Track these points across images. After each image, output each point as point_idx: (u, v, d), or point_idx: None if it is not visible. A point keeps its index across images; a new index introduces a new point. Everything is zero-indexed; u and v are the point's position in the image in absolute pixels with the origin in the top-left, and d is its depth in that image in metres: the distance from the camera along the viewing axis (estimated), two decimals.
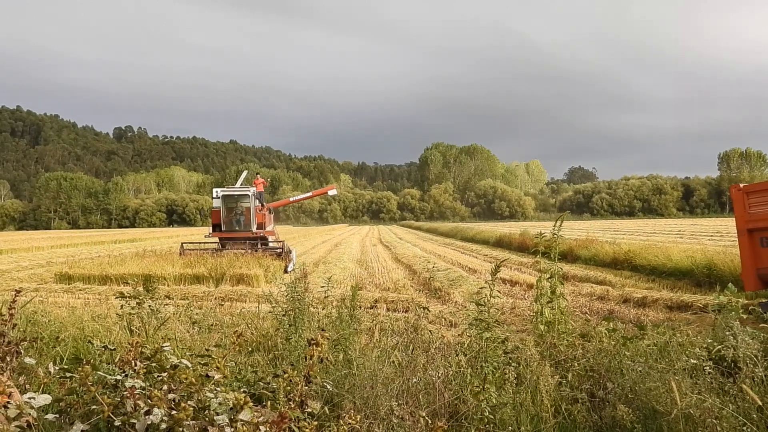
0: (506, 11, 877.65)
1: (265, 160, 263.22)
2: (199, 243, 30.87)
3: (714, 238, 38.87)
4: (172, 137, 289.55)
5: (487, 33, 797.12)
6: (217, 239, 29.79)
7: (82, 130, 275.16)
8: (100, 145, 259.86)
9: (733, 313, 5.94)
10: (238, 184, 32.91)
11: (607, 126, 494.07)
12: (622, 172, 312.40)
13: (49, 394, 3.53)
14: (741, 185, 12.27)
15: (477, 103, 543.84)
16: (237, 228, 29.55)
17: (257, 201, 29.89)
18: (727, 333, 5.70)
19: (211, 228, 30.07)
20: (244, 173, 36.63)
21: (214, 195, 29.91)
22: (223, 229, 29.41)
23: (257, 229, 29.48)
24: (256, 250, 27.37)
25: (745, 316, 6.05)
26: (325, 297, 8.07)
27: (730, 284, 6.83)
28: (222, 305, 14.57)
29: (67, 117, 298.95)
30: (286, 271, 25.30)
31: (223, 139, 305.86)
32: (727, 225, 54.24)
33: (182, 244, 29.87)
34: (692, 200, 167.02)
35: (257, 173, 36.05)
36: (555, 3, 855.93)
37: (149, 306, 7.72)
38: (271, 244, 29.57)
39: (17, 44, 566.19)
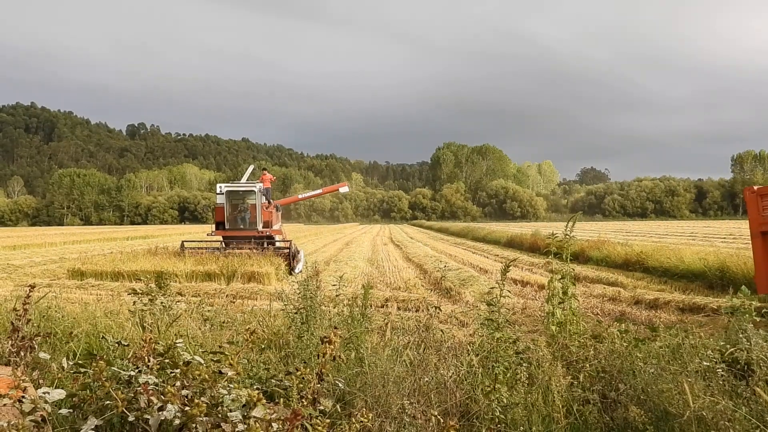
0: (516, 11, 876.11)
1: (276, 158, 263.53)
2: (202, 242, 29.26)
3: (727, 240, 38.70)
4: (184, 135, 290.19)
5: (498, 33, 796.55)
6: (220, 238, 28.26)
7: (95, 126, 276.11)
8: (113, 141, 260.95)
9: (747, 315, 5.91)
10: (243, 180, 31.37)
11: (620, 127, 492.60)
12: (634, 173, 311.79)
13: (62, 389, 3.56)
14: (755, 187, 12.21)
15: (489, 103, 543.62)
16: (242, 226, 27.94)
17: (264, 198, 28.28)
18: (740, 335, 5.68)
19: (214, 225, 28.41)
20: (250, 168, 34.86)
21: (218, 191, 28.10)
22: (226, 227, 27.75)
23: (263, 227, 28.01)
24: (262, 250, 26.17)
25: (758, 319, 6.02)
26: (337, 295, 8.08)
27: (743, 287, 6.78)
28: (233, 302, 14.62)
29: (81, 114, 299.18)
30: (292, 273, 24.48)
31: (235, 137, 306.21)
32: (741, 227, 54.01)
33: (182, 242, 28.36)
34: (705, 202, 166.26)
35: (264, 169, 34.53)
36: (565, 3, 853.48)
37: (161, 302, 7.74)
38: (277, 244, 28.08)
39: (32, 42, 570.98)
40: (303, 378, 3.58)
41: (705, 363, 5.25)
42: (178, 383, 3.57)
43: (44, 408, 3.19)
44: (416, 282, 20.86)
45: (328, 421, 3.33)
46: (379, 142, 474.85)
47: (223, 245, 27.65)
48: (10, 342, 4.85)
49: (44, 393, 3.32)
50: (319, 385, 3.67)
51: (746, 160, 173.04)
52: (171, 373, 3.83)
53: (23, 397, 3.18)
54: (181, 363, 3.89)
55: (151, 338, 4.21)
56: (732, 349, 5.62)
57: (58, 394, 3.39)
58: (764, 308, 8.74)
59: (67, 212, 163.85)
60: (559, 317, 6.84)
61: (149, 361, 4.01)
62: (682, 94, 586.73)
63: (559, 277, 7.18)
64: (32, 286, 5.77)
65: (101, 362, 3.48)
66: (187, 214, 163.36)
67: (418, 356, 5.58)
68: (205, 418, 3.20)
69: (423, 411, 4.51)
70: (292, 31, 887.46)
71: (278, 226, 30.72)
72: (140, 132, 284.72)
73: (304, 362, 5.58)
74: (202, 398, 3.38)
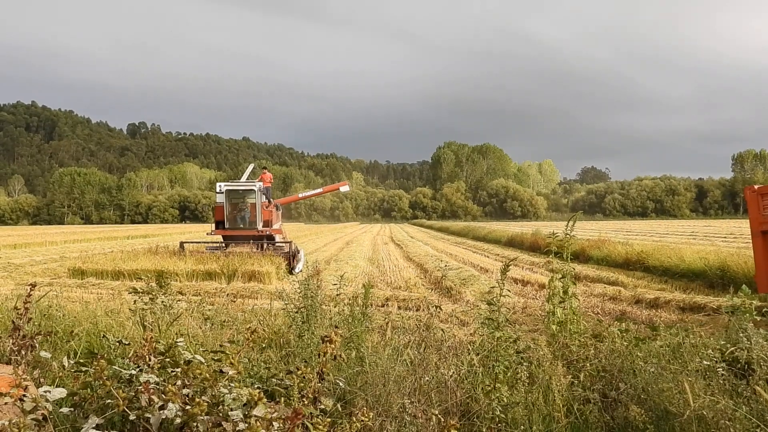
0: (516, 11, 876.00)
1: (277, 158, 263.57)
2: (201, 242, 29.11)
3: (727, 239, 38.69)
4: (185, 134, 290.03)
5: (498, 32, 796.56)
6: (220, 237, 28.05)
7: (96, 125, 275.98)
8: (113, 140, 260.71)
9: (747, 314, 5.91)
10: (243, 179, 30.93)
11: (620, 126, 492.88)
12: (635, 173, 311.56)
13: (64, 387, 3.55)
14: (755, 186, 12.19)
15: (490, 103, 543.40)
16: (241, 225, 27.66)
17: (264, 197, 28.04)
18: (741, 335, 5.67)
19: (213, 225, 28.07)
20: (250, 167, 34.21)
21: (218, 190, 27.81)
22: (226, 226, 27.45)
23: (263, 226, 27.69)
24: (262, 249, 26.06)
25: (758, 318, 6.02)
26: (337, 295, 8.08)
27: (743, 286, 6.77)
28: (234, 301, 14.62)
29: (82, 113, 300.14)
30: (292, 273, 24.29)
31: (235, 136, 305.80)
32: (741, 227, 54.03)
33: (181, 243, 28.11)
34: (706, 201, 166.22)
35: (264, 167, 34.15)
36: (565, 2, 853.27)
37: (162, 301, 7.74)
38: (277, 243, 27.93)
39: (33, 41, 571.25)
40: (304, 377, 3.58)
41: (705, 362, 5.25)
42: (179, 382, 3.57)
43: (45, 407, 3.20)
44: (417, 281, 20.86)
45: (328, 420, 3.33)
46: (379, 141, 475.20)
47: (223, 245, 27.51)
48: (11, 340, 4.85)
49: (45, 392, 3.32)
50: (319, 384, 3.68)
51: (747, 160, 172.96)
52: (172, 372, 3.83)
53: (24, 395, 3.18)
54: (182, 362, 3.90)
55: (151, 337, 4.21)
56: (732, 349, 5.62)
57: (59, 392, 3.39)
58: (765, 307, 8.74)
59: (68, 211, 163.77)
60: (559, 316, 6.85)
61: (150, 360, 4.01)
62: (683, 93, 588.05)
63: (560, 276, 7.19)
64: (33, 285, 5.77)
65: (102, 361, 3.48)
66: (187, 213, 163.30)
67: (418, 355, 5.58)
68: (206, 417, 3.21)
69: (424, 410, 4.51)
70: (293, 31, 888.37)
71: (278, 225, 30.48)
72: (141, 131, 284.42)
73: (305, 361, 5.59)
74: (203, 397, 3.38)
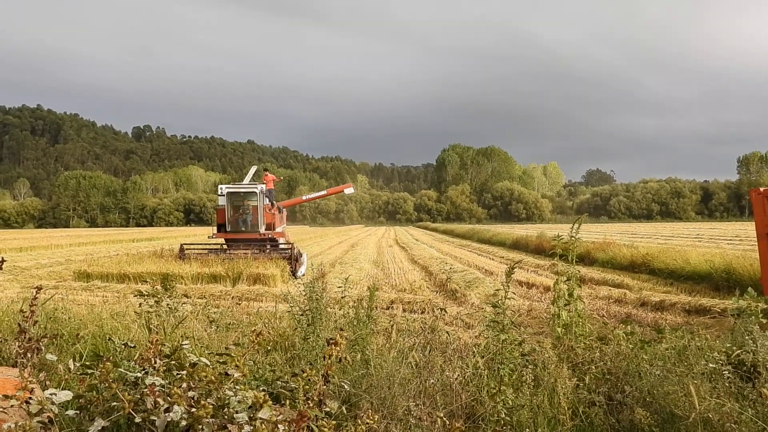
0: (521, 12, 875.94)
1: (282, 160, 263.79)
2: (202, 245, 28.41)
3: (733, 242, 38.55)
4: (190, 137, 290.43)
5: (503, 36, 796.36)
6: (222, 240, 27.57)
7: (101, 129, 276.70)
8: (118, 144, 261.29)
9: (753, 317, 5.90)
10: (246, 181, 30.77)
11: (626, 128, 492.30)
12: (640, 175, 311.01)
13: (69, 390, 3.56)
14: (761, 189, 12.17)
15: (494, 105, 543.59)
16: (243, 228, 27.40)
17: (267, 199, 27.74)
18: (747, 337, 5.66)
19: (215, 228, 27.89)
20: (253, 169, 33.98)
21: (219, 192, 27.72)
22: (228, 229, 27.32)
23: (266, 229, 27.38)
24: (265, 253, 25.78)
25: (764, 321, 6.01)
26: (342, 297, 8.08)
27: (749, 288, 6.77)
28: (239, 304, 14.64)
29: (87, 116, 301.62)
30: (294, 276, 24.02)
31: (240, 139, 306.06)
32: (747, 229, 53.80)
33: (181, 245, 27.44)
34: (711, 204, 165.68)
35: (265, 169, 33.68)
36: (567, 4, 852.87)
37: (167, 304, 7.76)
38: (280, 247, 27.46)
39: (38, 45, 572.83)
40: (309, 380, 3.59)
41: (711, 365, 5.24)
42: (184, 385, 3.58)
43: (51, 409, 3.20)
44: (422, 284, 20.82)
45: (334, 422, 3.33)
46: (384, 144, 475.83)
47: (224, 248, 27.18)
48: (17, 343, 4.87)
49: (51, 394, 3.33)
50: (325, 387, 3.68)
51: (752, 162, 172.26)
52: (177, 374, 3.84)
53: (30, 398, 3.19)
54: (187, 364, 3.90)
55: (157, 340, 4.22)
56: (738, 351, 5.61)
57: (65, 395, 3.40)
58: None
59: (73, 214, 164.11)
60: (564, 319, 6.83)
61: (156, 362, 4.01)
62: (688, 95, 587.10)
63: (565, 278, 7.18)
64: (39, 288, 5.80)
65: (108, 364, 3.49)
66: (192, 216, 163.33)
67: (423, 358, 5.58)
68: (211, 420, 3.21)
69: (429, 413, 4.51)
70: (298, 33, 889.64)
71: (281, 228, 30.23)
72: (146, 134, 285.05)
73: (310, 364, 5.59)
74: (209, 400, 3.38)
